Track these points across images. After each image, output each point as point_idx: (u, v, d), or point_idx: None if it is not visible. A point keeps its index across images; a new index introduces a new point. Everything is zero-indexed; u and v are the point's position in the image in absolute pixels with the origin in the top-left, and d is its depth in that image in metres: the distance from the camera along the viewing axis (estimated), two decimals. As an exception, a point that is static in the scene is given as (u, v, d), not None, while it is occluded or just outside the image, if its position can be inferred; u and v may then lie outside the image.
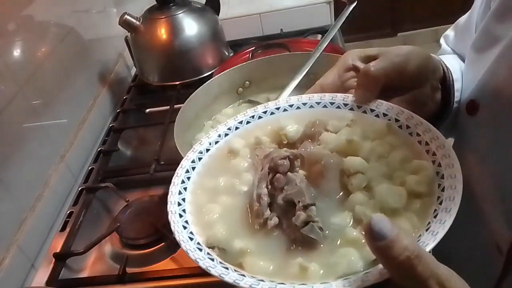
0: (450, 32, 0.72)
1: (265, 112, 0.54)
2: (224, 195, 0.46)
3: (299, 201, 0.41)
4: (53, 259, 0.79)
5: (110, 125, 1.13)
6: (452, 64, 0.61)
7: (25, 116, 0.89)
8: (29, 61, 0.94)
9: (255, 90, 0.88)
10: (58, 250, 0.80)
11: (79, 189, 0.94)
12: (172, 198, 0.45)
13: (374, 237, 0.31)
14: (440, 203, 0.39)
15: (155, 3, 1.18)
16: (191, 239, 0.41)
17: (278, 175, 0.43)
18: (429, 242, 0.35)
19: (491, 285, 0.57)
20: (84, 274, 0.78)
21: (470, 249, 0.63)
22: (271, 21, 1.41)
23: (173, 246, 0.77)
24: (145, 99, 1.22)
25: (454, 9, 3.17)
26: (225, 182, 0.47)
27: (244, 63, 0.91)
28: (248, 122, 0.53)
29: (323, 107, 0.53)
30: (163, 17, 1.15)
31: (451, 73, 0.58)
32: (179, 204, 0.44)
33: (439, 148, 0.43)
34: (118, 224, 0.81)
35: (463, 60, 0.64)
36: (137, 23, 1.15)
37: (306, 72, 0.79)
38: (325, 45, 0.80)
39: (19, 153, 0.84)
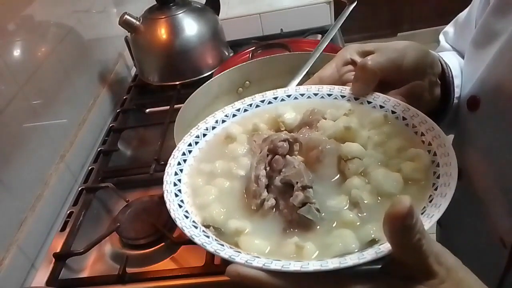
0: (449, 28, 0.72)
1: (262, 101, 0.55)
2: (221, 178, 0.46)
3: (297, 182, 0.41)
4: (53, 259, 0.79)
5: (110, 125, 1.13)
6: (451, 60, 0.61)
7: (25, 116, 0.89)
8: (29, 61, 0.94)
9: (255, 90, 0.87)
10: (58, 250, 0.80)
11: (79, 189, 0.94)
12: (168, 178, 0.45)
13: (403, 217, 0.32)
14: (436, 189, 0.40)
15: (155, 3, 1.18)
16: (187, 217, 0.41)
17: (277, 156, 0.44)
18: (425, 223, 0.36)
19: (496, 278, 0.57)
20: (84, 274, 0.78)
21: (474, 243, 0.63)
22: (271, 21, 1.41)
23: (173, 246, 0.77)
24: (145, 99, 1.22)
25: (454, 9, 3.16)
26: (222, 166, 0.48)
27: (244, 63, 0.91)
28: (245, 110, 0.54)
29: (320, 98, 0.54)
30: (163, 17, 1.15)
31: (450, 69, 0.59)
32: (175, 185, 0.44)
33: (434, 138, 0.44)
34: (118, 224, 0.81)
35: (463, 57, 0.64)
36: (137, 23, 1.15)
37: (306, 72, 0.79)
38: (325, 45, 0.80)
39: (19, 153, 0.84)
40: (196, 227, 0.40)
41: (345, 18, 0.82)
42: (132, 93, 1.25)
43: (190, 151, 0.49)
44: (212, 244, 0.37)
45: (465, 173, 0.57)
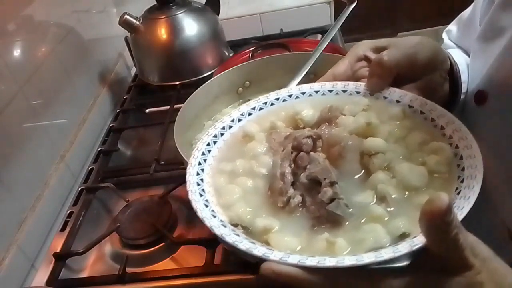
0: (452, 26, 0.73)
1: (277, 99, 0.55)
2: (243, 176, 0.46)
3: (325, 178, 0.41)
4: (53, 259, 0.79)
5: (110, 125, 1.12)
6: (457, 57, 0.62)
7: (25, 116, 0.89)
8: (29, 61, 0.94)
9: (255, 90, 0.88)
10: (58, 250, 0.80)
11: (79, 189, 0.94)
12: (191, 178, 0.44)
13: (443, 212, 0.32)
14: (462, 182, 0.40)
15: (155, 3, 1.18)
16: (214, 216, 0.40)
17: (302, 153, 0.44)
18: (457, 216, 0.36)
19: None
20: (84, 274, 0.78)
21: (482, 239, 0.63)
22: (271, 21, 1.41)
23: (173, 246, 0.77)
24: (145, 99, 1.22)
25: (454, 9, 3.17)
26: (243, 165, 0.48)
27: (244, 63, 0.91)
28: (260, 109, 0.54)
29: (335, 94, 0.54)
30: (163, 17, 1.15)
31: (457, 65, 0.59)
32: (198, 184, 0.44)
33: (455, 131, 0.44)
34: (118, 224, 0.81)
35: (467, 54, 0.65)
36: (137, 23, 1.15)
37: (306, 72, 0.79)
38: (325, 45, 0.80)
39: (19, 153, 0.84)
40: (225, 226, 0.39)
41: (345, 18, 0.82)
42: (132, 93, 1.25)
43: (209, 151, 0.49)
44: (243, 243, 0.37)
45: None
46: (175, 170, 0.89)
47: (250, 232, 0.40)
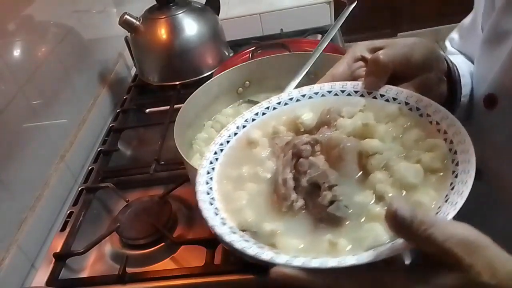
0: (454, 34, 0.74)
1: (279, 103, 0.56)
2: (249, 182, 0.48)
3: (324, 182, 0.43)
4: (53, 259, 0.79)
5: (110, 125, 1.12)
6: (458, 61, 0.63)
7: (25, 116, 0.89)
8: (29, 61, 0.94)
9: (255, 90, 0.88)
10: (58, 250, 0.80)
11: (79, 189, 0.94)
12: (200, 187, 0.46)
13: (394, 219, 0.34)
14: (456, 177, 0.41)
15: (155, 3, 1.18)
16: (224, 223, 0.42)
17: (301, 159, 0.46)
18: (450, 211, 0.37)
19: None
20: (84, 274, 0.78)
21: (499, 238, 0.63)
22: (271, 21, 1.41)
23: (173, 246, 0.77)
24: (145, 99, 1.22)
25: (454, 9, 3.17)
26: (249, 171, 0.50)
27: (244, 63, 0.91)
28: (263, 114, 0.56)
29: (334, 95, 0.55)
30: (163, 17, 1.15)
31: (456, 68, 0.60)
32: (208, 193, 0.46)
33: (450, 126, 0.46)
34: (118, 224, 0.81)
35: (470, 60, 0.66)
36: (137, 23, 1.15)
37: (306, 72, 0.79)
38: (325, 45, 0.80)
39: (19, 153, 0.84)
40: (234, 233, 0.41)
41: (345, 18, 0.82)
42: (132, 93, 1.25)
43: (216, 159, 0.51)
44: (252, 248, 0.39)
45: (483, 172, 0.58)
46: (175, 170, 0.89)
47: (258, 236, 0.42)
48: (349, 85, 0.55)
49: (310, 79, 0.84)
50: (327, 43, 0.79)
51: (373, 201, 0.43)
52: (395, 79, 0.53)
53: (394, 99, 0.52)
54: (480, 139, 0.60)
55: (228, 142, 0.53)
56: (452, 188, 0.40)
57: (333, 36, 0.81)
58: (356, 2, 0.82)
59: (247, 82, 0.88)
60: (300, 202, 0.44)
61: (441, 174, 0.43)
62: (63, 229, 0.85)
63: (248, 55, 1.07)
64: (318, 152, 0.48)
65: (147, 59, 1.21)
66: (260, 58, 0.91)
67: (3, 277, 0.74)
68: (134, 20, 1.14)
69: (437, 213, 0.39)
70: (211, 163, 0.50)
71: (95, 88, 1.19)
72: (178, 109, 0.78)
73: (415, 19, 3.17)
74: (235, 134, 0.54)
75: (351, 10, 0.82)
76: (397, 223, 0.34)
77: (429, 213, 0.39)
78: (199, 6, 1.21)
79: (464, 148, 0.43)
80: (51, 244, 0.83)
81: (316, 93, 0.56)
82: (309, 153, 0.47)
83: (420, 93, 0.51)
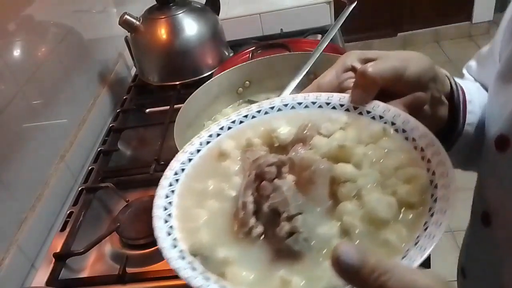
0: (472, 62, 0.69)
1: (259, 112, 0.52)
2: (212, 199, 0.45)
3: (283, 211, 0.39)
4: (53, 259, 0.79)
5: (110, 125, 1.13)
6: (468, 86, 0.58)
7: (25, 116, 0.89)
8: (29, 61, 0.94)
9: (255, 90, 0.88)
10: (58, 250, 0.80)
11: (79, 189, 0.94)
12: (159, 201, 0.43)
13: (340, 267, 0.31)
14: (432, 215, 0.37)
15: (155, 3, 1.18)
16: (175, 246, 0.40)
17: (264, 182, 0.42)
18: (416, 258, 0.34)
19: None
20: (84, 274, 0.78)
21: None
22: (271, 21, 1.41)
23: (173, 246, 0.77)
24: (145, 99, 1.22)
25: (454, 9, 3.19)
26: (214, 186, 0.46)
27: (244, 63, 0.91)
28: (241, 122, 0.52)
29: (318, 107, 0.52)
30: (163, 17, 1.15)
31: (462, 91, 0.56)
32: (165, 209, 0.43)
33: (434, 155, 0.41)
34: (118, 224, 0.81)
35: (486, 89, 0.61)
36: (137, 23, 1.15)
37: (306, 72, 0.79)
38: (325, 45, 0.80)
39: (19, 153, 0.84)
40: (183, 258, 0.39)
41: (345, 18, 0.82)
42: (132, 93, 1.25)
43: (183, 169, 0.47)
44: (197, 279, 0.36)
45: (493, 218, 0.54)
46: (175, 170, 0.89)
47: (210, 262, 0.39)
48: (335, 97, 0.51)
49: (310, 79, 0.84)
50: (327, 43, 0.79)
51: (337, 234, 0.39)
52: (386, 94, 0.49)
53: (381, 117, 0.48)
54: (490, 181, 0.55)
55: (198, 151, 0.49)
56: (426, 229, 0.36)
57: (333, 36, 0.81)
58: (356, 2, 0.82)
59: (247, 82, 0.88)
60: (259, 229, 0.40)
61: (418, 209, 0.39)
62: (63, 229, 0.85)
63: (248, 55, 1.07)
64: (285, 174, 0.43)
65: (147, 59, 1.21)
66: (260, 58, 0.91)
67: (3, 277, 0.74)
68: (134, 20, 1.14)
69: (403, 257, 0.35)
70: (175, 174, 0.46)
71: (95, 88, 1.19)
72: (178, 109, 0.78)
73: (415, 19, 3.17)
74: (208, 142, 0.50)
75: (351, 10, 0.82)
76: (343, 270, 0.31)
77: (381, 259, 0.34)
78: (199, 6, 1.21)
79: (445, 183, 0.38)
80: (51, 244, 0.83)
81: (300, 103, 0.52)
82: (273, 175, 0.42)
83: (410, 113, 0.47)
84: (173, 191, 0.45)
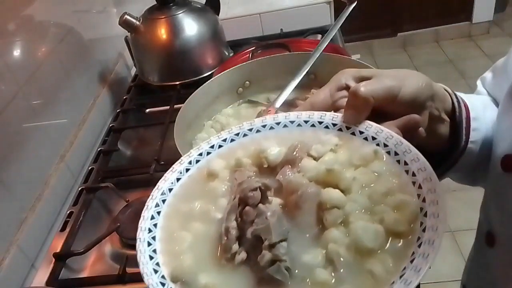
0: (487, 74, 0.67)
1: (250, 130, 0.51)
2: (197, 221, 0.44)
3: (265, 239, 0.38)
4: (53, 259, 0.79)
5: (110, 125, 1.13)
6: (474, 102, 0.56)
7: (25, 116, 0.89)
8: (29, 61, 0.94)
9: (255, 90, 0.88)
10: (58, 250, 0.80)
11: (79, 189, 0.94)
12: (143, 224, 0.43)
13: None
14: (419, 246, 0.36)
15: (155, 3, 1.18)
16: (156, 271, 0.39)
17: (247, 207, 0.41)
18: None
19: None
20: (84, 274, 0.78)
21: None
22: (271, 21, 1.41)
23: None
24: (145, 99, 1.22)
25: (454, 9, 3.19)
26: (201, 207, 0.45)
27: (244, 63, 0.90)
28: (232, 140, 0.51)
29: (311, 126, 0.50)
30: (163, 17, 1.15)
31: (465, 108, 0.54)
32: (150, 231, 0.43)
33: (425, 180, 0.40)
34: (118, 224, 0.81)
35: (497, 104, 0.59)
36: (137, 23, 1.15)
37: (306, 72, 0.79)
38: (325, 45, 0.80)
39: (19, 153, 0.84)
40: (163, 284, 0.38)
41: (345, 18, 0.82)
42: (132, 93, 1.25)
43: (170, 190, 0.46)
44: None
45: (502, 237, 0.53)
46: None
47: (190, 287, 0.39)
48: (328, 117, 0.50)
49: (310, 79, 0.84)
50: (327, 43, 0.79)
51: (321, 263, 0.38)
52: (381, 114, 0.48)
53: (373, 138, 0.47)
54: (495, 202, 0.54)
55: (187, 170, 0.48)
56: (412, 261, 0.35)
57: (333, 36, 0.81)
58: (356, 2, 0.82)
59: (247, 82, 0.88)
60: (242, 255, 0.39)
61: (406, 239, 0.38)
62: (63, 229, 0.85)
63: (248, 55, 1.07)
64: (270, 198, 0.43)
65: (147, 59, 1.21)
66: (260, 58, 0.91)
67: (3, 277, 0.74)
68: (134, 20, 1.14)
69: None
70: (163, 193, 0.45)
71: (95, 88, 1.19)
72: (178, 109, 0.78)
73: (415, 19, 3.17)
74: (197, 161, 0.49)
75: (351, 10, 0.82)
76: None
77: None
78: (199, 6, 1.21)
79: (434, 211, 0.37)
80: (51, 244, 0.83)
81: (292, 122, 0.51)
82: (256, 200, 0.41)
83: (404, 135, 0.46)
84: (159, 212, 0.44)
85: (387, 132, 0.46)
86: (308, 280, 0.37)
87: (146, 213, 0.44)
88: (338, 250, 0.38)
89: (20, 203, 0.83)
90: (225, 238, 0.40)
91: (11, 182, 0.80)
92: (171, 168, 0.48)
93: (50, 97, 0.98)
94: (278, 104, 0.77)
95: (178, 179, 0.48)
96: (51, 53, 1.01)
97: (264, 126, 0.52)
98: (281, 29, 1.37)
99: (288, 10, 1.41)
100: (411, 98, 0.47)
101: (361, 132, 0.48)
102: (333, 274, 0.37)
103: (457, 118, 0.53)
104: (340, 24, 0.83)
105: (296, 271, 0.38)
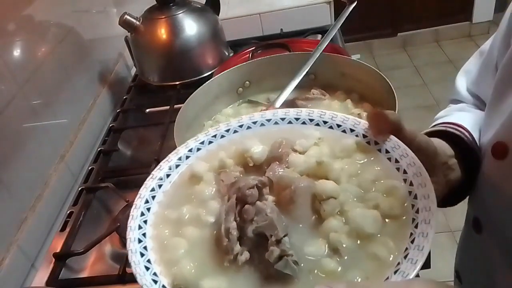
0: (471, 66, 0.66)
1: (227, 131, 0.51)
2: (190, 226, 0.43)
3: (271, 235, 0.38)
4: (53, 259, 0.79)
5: (110, 125, 1.13)
6: (467, 121, 0.57)
7: (25, 116, 0.89)
8: (29, 61, 0.94)
9: (255, 90, 0.88)
10: (58, 250, 0.80)
11: (79, 189, 0.94)
12: (131, 234, 0.41)
13: None
14: (416, 226, 0.37)
15: (155, 3, 1.18)
16: (155, 282, 0.38)
17: (246, 206, 0.41)
18: (409, 271, 0.34)
19: None
20: (84, 274, 0.78)
21: None
22: (271, 21, 1.41)
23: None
24: (145, 99, 1.22)
25: (454, 9, 3.18)
26: (190, 213, 0.44)
27: (244, 63, 0.91)
28: (210, 142, 0.50)
29: (288, 123, 0.51)
30: (163, 17, 1.15)
31: (468, 138, 0.55)
32: (140, 241, 0.40)
33: (409, 165, 0.42)
34: (118, 224, 0.81)
35: (483, 103, 0.60)
36: (137, 23, 1.15)
37: (306, 72, 0.79)
38: (325, 45, 0.80)
39: (19, 153, 0.84)
40: None
41: (345, 18, 0.82)
42: (132, 93, 1.25)
43: (153, 197, 0.45)
44: None
45: (488, 224, 0.55)
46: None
47: None
48: (304, 112, 0.51)
49: (310, 79, 0.84)
50: (327, 43, 0.79)
51: (326, 252, 0.39)
52: None
53: (352, 130, 0.48)
54: (484, 188, 0.55)
55: (168, 176, 0.47)
56: (412, 241, 0.36)
57: (333, 36, 0.81)
58: (356, 2, 0.82)
59: (247, 82, 0.88)
60: (245, 255, 0.39)
61: (401, 221, 0.39)
62: (63, 229, 0.85)
63: (248, 55, 1.08)
64: (266, 194, 0.43)
65: (147, 59, 1.21)
66: (260, 58, 0.91)
67: (3, 277, 0.74)
68: (134, 20, 1.14)
69: (396, 271, 0.35)
70: (146, 202, 0.44)
71: (95, 88, 1.19)
72: (178, 109, 0.78)
73: (415, 19, 3.17)
74: (177, 166, 0.48)
75: (351, 10, 0.82)
76: None
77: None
78: (199, 6, 1.21)
79: (424, 193, 0.39)
80: (51, 244, 0.83)
81: (269, 120, 0.51)
82: (255, 198, 0.41)
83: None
84: (145, 221, 0.42)
85: (365, 123, 0.48)
86: (316, 271, 0.38)
87: (132, 223, 0.42)
88: (340, 239, 0.39)
89: (20, 203, 0.82)
90: (226, 240, 0.39)
91: (11, 182, 0.80)
92: (150, 175, 0.47)
93: (50, 97, 0.98)
94: (278, 104, 0.77)
95: (160, 186, 0.46)
96: (51, 53, 1.01)
97: (241, 126, 0.52)
98: (281, 29, 1.37)
99: (288, 10, 1.41)
100: None
101: (338, 126, 0.49)
102: (338, 260, 0.38)
103: (461, 155, 0.54)
104: (340, 24, 0.83)
105: (302, 264, 0.38)
